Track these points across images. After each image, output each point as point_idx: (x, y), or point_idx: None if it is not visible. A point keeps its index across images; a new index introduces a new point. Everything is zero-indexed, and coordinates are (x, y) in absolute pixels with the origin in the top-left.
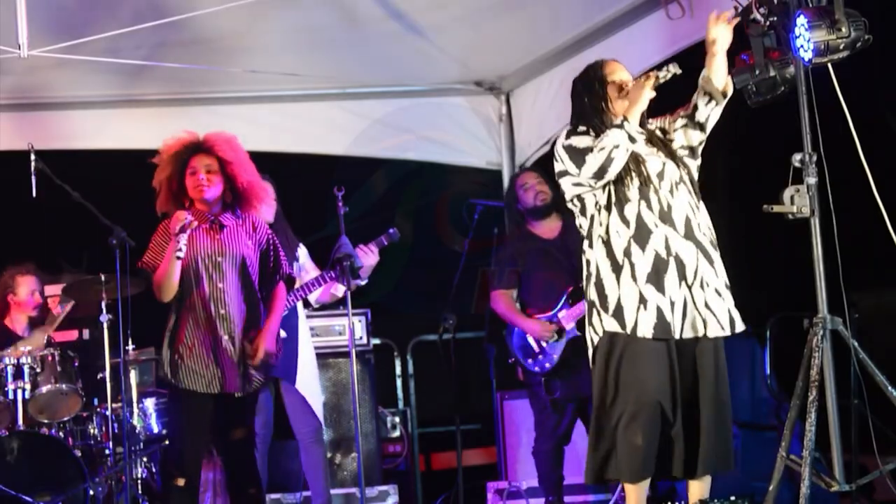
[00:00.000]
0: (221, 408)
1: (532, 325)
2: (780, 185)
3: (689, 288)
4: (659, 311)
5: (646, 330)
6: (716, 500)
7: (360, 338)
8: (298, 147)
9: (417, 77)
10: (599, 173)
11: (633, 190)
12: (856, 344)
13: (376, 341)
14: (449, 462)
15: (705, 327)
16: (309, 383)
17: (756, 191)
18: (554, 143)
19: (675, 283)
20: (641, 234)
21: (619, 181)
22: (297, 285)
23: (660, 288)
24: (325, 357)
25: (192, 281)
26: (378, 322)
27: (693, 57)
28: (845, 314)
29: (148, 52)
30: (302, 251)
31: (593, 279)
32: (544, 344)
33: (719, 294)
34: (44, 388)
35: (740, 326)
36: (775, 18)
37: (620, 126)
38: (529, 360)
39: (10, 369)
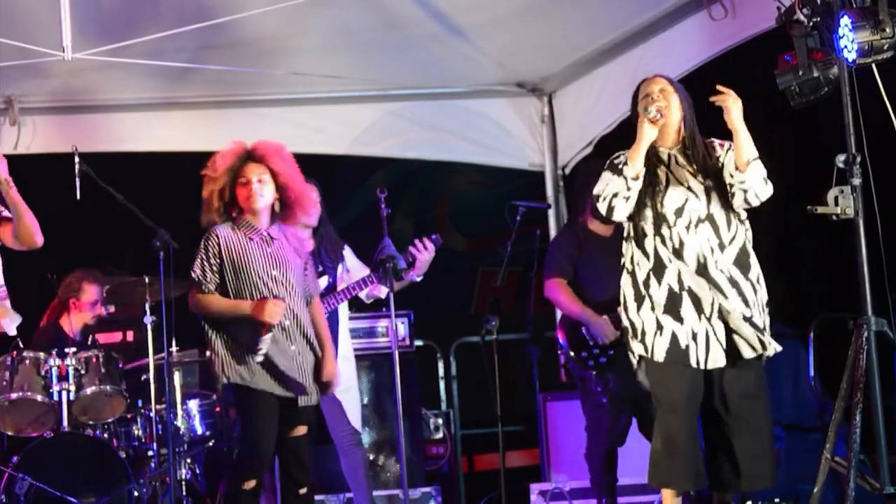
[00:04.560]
0: (283, 408)
1: (596, 321)
2: (824, 187)
3: (709, 321)
4: (674, 336)
5: (660, 354)
6: (760, 502)
7: (403, 339)
8: (340, 149)
9: (459, 79)
10: (608, 218)
11: (648, 224)
12: None
13: (419, 343)
14: (492, 464)
15: (746, 347)
16: (346, 389)
17: (800, 192)
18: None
19: (695, 316)
20: (658, 268)
21: (638, 214)
22: (341, 287)
23: (677, 318)
24: (368, 358)
25: (252, 294)
26: (421, 324)
27: (736, 58)
28: (890, 315)
29: (190, 55)
30: (347, 252)
31: (622, 306)
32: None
33: (744, 319)
34: (88, 390)
35: (771, 350)
36: (818, 19)
37: (619, 172)
38: (583, 353)
39: (55, 371)
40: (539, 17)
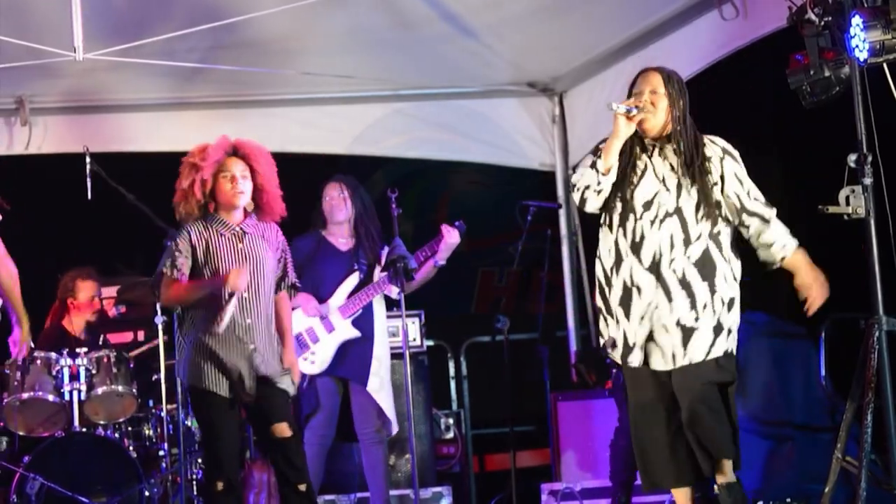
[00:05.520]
0: (253, 411)
1: None
2: (836, 186)
3: (651, 321)
4: (624, 334)
5: (618, 348)
6: (772, 502)
7: (414, 339)
8: (351, 149)
9: (470, 78)
10: (581, 209)
11: (616, 215)
12: None
13: (430, 343)
14: (503, 463)
15: (658, 358)
16: (382, 386)
17: (811, 192)
18: None
19: (641, 314)
20: (618, 261)
21: (609, 205)
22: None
23: (627, 313)
24: None
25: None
26: (432, 323)
27: (747, 58)
28: None
29: (202, 55)
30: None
31: (596, 291)
32: None
33: (666, 329)
34: (99, 390)
35: (681, 361)
36: (830, 18)
37: (593, 165)
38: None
39: (66, 371)
40: (550, 18)
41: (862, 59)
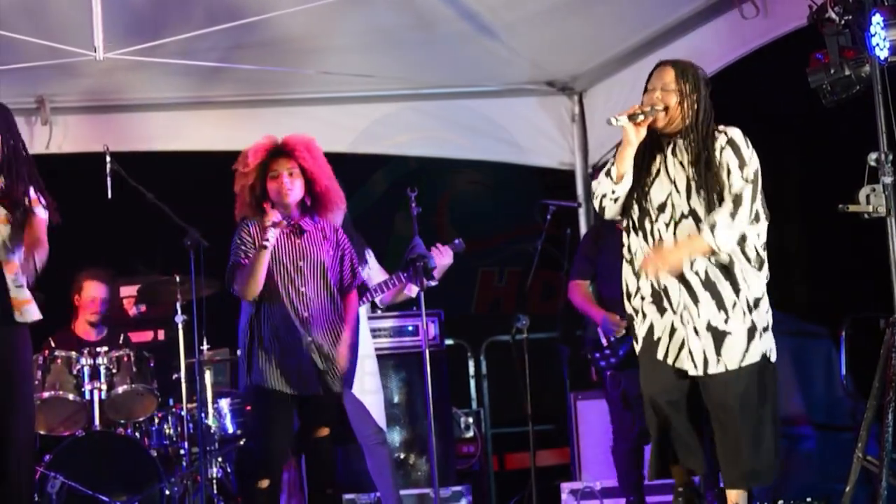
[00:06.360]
0: (304, 408)
1: (602, 316)
2: (856, 185)
3: (682, 324)
4: (651, 326)
5: (639, 343)
6: (792, 502)
7: (434, 338)
8: (370, 148)
9: (489, 77)
10: (601, 216)
11: (635, 219)
12: None
13: (449, 342)
14: (522, 462)
15: (689, 363)
16: (367, 389)
17: (831, 190)
18: None
19: (670, 312)
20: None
21: (628, 209)
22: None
23: (660, 309)
24: (398, 357)
25: (275, 284)
26: (451, 322)
27: (765, 57)
28: None
29: (221, 55)
30: (370, 255)
31: (625, 295)
32: (612, 338)
33: (696, 333)
34: (120, 389)
35: (714, 369)
36: (850, 17)
37: (608, 173)
38: (597, 354)
39: (86, 370)
40: (569, 16)
41: (882, 58)
